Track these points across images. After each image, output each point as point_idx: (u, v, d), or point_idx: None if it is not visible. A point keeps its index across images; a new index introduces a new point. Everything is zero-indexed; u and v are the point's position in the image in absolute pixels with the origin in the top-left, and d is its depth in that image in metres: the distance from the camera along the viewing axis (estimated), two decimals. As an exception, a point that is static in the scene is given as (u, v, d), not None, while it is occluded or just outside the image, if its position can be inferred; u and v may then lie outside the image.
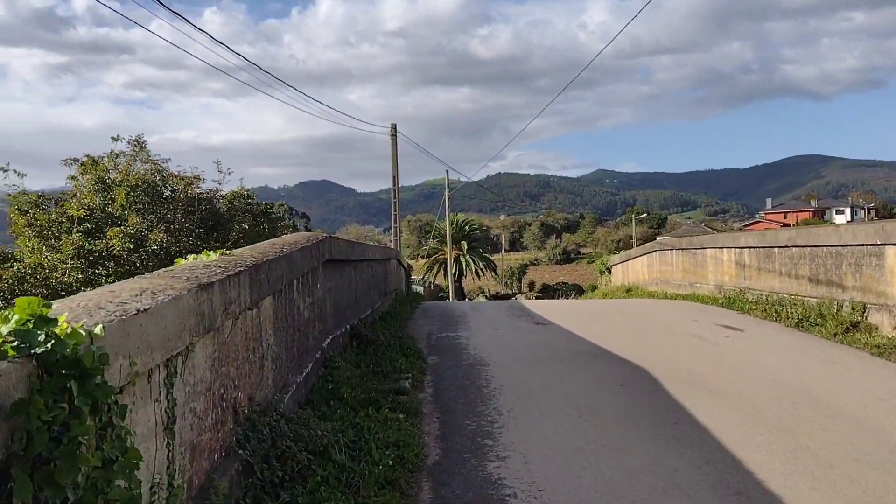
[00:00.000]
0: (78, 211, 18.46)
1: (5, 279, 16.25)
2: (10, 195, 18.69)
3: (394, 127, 33.35)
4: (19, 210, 18.56)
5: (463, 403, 6.94)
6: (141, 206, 19.55)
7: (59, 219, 18.35)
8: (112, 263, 18.04)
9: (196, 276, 3.70)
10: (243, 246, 20.90)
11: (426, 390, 7.51)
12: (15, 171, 18.44)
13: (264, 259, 5.00)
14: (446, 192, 46.73)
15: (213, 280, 3.80)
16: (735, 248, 16.17)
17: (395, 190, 32.76)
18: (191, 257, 4.59)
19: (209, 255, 4.61)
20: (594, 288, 45.19)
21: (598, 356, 9.19)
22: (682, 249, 20.03)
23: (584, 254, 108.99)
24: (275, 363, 5.38)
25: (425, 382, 7.87)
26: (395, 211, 32.86)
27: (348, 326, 9.29)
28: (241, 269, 4.37)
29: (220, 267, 4.20)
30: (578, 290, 60.35)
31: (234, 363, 4.30)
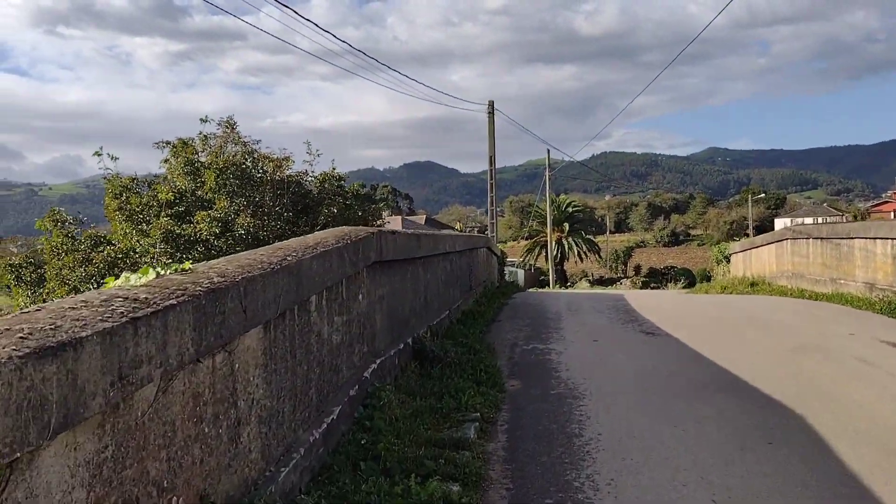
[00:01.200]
0: (167, 194, 18.00)
1: (96, 263, 15.88)
2: (105, 179, 18.43)
3: (491, 104, 31.46)
4: (113, 194, 18.26)
5: (545, 464, 5.05)
6: (230, 190, 18.95)
7: (150, 202, 17.92)
8: (201, 248, 17.52)
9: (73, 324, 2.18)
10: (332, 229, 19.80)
11: (498, 438, 5.64)
12: (109, 154, 18.15)
13: (239, 277, 3.35)
14: (546, 172, 44.52)
15: (82, 336, 2.13)
16: (892, 238, 13.41)
17: (491, 170, 30.91)
18: (122, 278, 3.06)
19: (147, 273, 3.07)
20: (706, 275, 41.60)
21: (730, 389, 7.01)
22: (822, 239, 17.13)
23: (693, 236, 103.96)
24: (265, 425, 3.78)
25: (498, 424, 6.00)
26: (491, 192, 31.05)
27: (411, 340, 7.57)
28: (175, 301, 2.73)
29: (134, 302, 2.61)
30: (688, 276, 56.50)
31: (161, 452, 2.73)
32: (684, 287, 40.44)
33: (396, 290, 7.18)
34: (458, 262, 11.98)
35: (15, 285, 18.12)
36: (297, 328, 4.28)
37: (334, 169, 22.06)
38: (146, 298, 2.59)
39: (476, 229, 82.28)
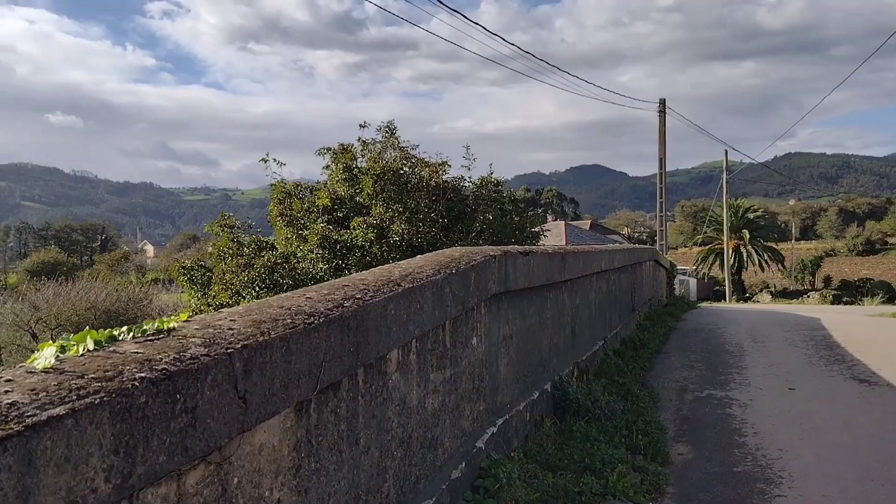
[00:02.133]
0: (324, 200, 17.93)
1: (257, 268, 16.00)
2: (271, 185, 18.74)
3: (662, 102, 29.04)
4: (277, 199, 18.50)
5: None
6: (386, 195, 18.60)
7: (310, 208, 17.95)
8: (357, 254, 17.27)
9: None
10: (487, 237, 18.63)
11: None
12: (275, 160, 18.42)
13: (238, 345, 2.17)
14: (724, 174, 40.88)
15: None
16: None
17: (661, 173, 28.44)
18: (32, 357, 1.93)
19: (67, 345, 1.91)
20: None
21: None
22: None
23: (891, 244, 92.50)
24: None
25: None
26: (661, 197, 28.60)
27: (549, 385, 6.06)
28: (63, 411, 1.54)
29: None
30: (887, 290, 49.67)
31: None
32: (882, 302, 35.46)
33: (531, 325, 5.73)
34: (617, 281, 10.31)
35: (188, 286, 18.79)
36: (363, 400, 3.04)
37: (491, 173, 21.14)
38: (15, 405, 1.49)
39: (644, 234, 78.42)
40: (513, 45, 26.45)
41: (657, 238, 31.06)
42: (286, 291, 12.33)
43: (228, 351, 2.13)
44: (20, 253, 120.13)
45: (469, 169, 20.49)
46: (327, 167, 19.62)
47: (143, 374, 1.84)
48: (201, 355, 2.05)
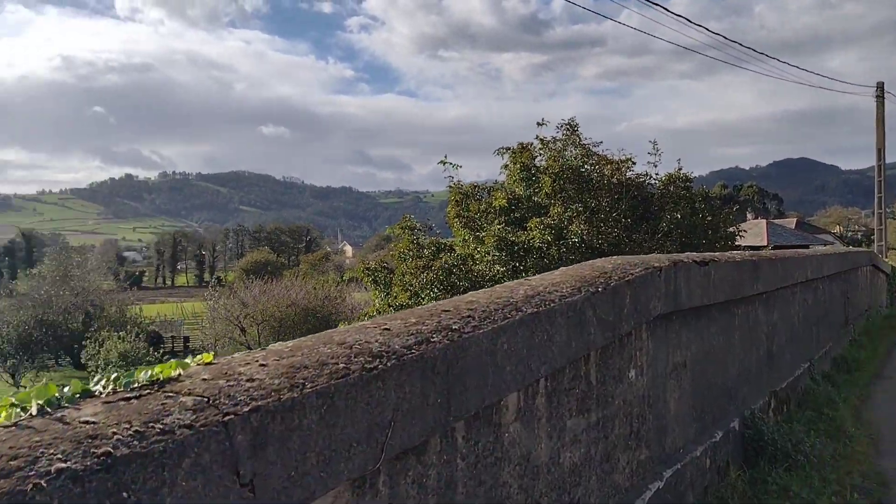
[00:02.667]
0: (501, 200, 17.74)
1: (435, 269, 16.20)
2: (448, 187, 18.93)
3: (880, 86, 25.64)
4: (455, 201, 18.64)
5: None
6: (566, 195, 18.02)
7: (487, 209, 17.86)
8: (535, 256, 16.91)
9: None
10: (675, 237, 17.36)
11: None
12: (451, 163, 18.58)
13: (244, 409, 1.57)
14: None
15: None
16: None
17: (879, 166, 25.05)
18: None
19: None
20: None
21: None
22: None
23: None
24: None
25: None
26: (879, 192, 25.21)
27: (737, 422, 5.04)
28: None
29: None
30: None
31: None
32: None
33: (712, 349, 4.79)
34: (826, 291, 8.86)
35: (373, 287, 19.40)
36: (464, 463, 2.34)
37: (680, 169, 19.77)
38: None
39: (860, 233, 70.33)
40: (716, 33, 24.68)
41: (875, 238, 27.51)
42: (463, 294, 12.11)
43: (226, 418, 1.55)
44: (237, 253, 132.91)
45: (655, 165, 19.33)
46: (505, 167, 19.35)
47: (62, 465, 1.28)
48: (181, 426, 1.48)
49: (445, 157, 18.98)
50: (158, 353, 36.32)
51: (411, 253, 17.71)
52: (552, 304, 2.49)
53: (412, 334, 1.91)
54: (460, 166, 19.20)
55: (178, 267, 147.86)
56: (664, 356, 3.81)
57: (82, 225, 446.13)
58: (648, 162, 19.28)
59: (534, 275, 14.38)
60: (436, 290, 16.49)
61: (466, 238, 18.52)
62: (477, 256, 17.76)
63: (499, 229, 17.53)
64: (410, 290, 16.79)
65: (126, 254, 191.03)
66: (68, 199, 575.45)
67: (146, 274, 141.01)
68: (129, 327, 34.73)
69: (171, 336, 45.09)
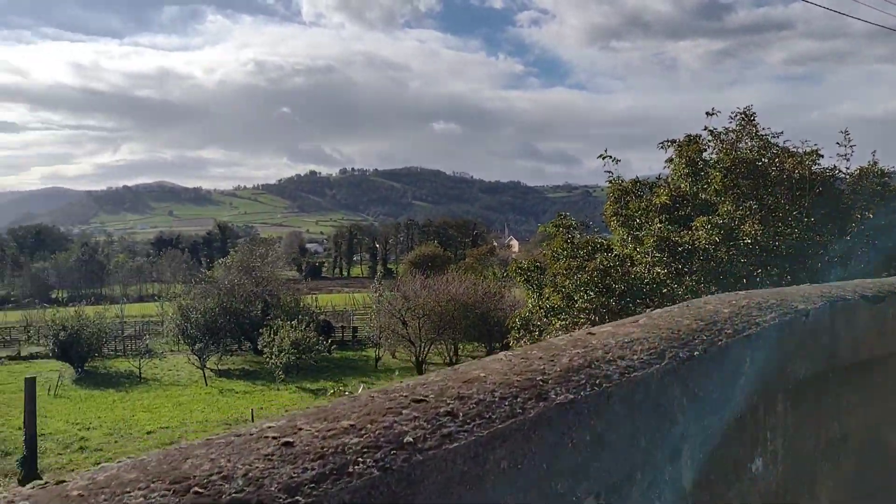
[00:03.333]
0: (663, 197, 16.67)
1: (589, 270, 15.55)
2: (608, 182, 18.13)
3: None
4: (613, 198, 17.83)
5: None
6: (738, 191, 16.63)
7: (647, 207, 16.85)
8: (700, 257, 15.74)
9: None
10: (865, 239, 15.44)
11: None
12: (611, 157, 17.80)
13: None
14: None
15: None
16: None
17: None
18: None
19: None
20: None
21: None
22: None
23: None
24: None
25: None
26: None
27: None
28: None
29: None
30: None
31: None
32: None
33: (889, 412, 3.39)
34: None
35: (525, 287, 18.99)
36: None
37: (875, 162, 17.61)
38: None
39: None
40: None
41: None
42: (619, 297, 11.23)
43: None
44: (408, 246, 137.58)
45: (847, 158, 17.36)
46: (670, 161, 18.14)
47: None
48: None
49: (605, 150, 18.05)
50: (327, 341, 38.01)
51: (565, 252, 17.05)
52: (606, 385, 1.56)
53: (322, 457, 1.09)
54: (619, 160, 18.27)
55: (355, 259, 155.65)
56: (813, 432, 2.72)
57: (271, 218, 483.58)
58: (838, 154, 17.29)
59: (697, 279, 12.99)
60: (590, 293, 15.74)
61: (624, 237, 17.58)
62: (636, 257, 16.79)
63: (660, 228, 16.46)
64: (563, 292, 16.15)
65: (308, 245, 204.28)
66: (260, 193, 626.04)
67: (325, 265, 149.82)
68: (299, 317, 36.65)
69: (342, 326, 47.16)
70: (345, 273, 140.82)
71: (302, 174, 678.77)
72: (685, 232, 16.35)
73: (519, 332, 17.36)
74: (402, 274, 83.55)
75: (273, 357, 34.21)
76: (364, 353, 41.43)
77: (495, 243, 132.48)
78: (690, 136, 18.21)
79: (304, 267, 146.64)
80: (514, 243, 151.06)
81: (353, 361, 40.76)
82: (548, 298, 16.29)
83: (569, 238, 17.14)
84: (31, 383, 21.32)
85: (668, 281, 16.14)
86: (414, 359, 35.70)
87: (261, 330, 36.35)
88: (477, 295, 36.51)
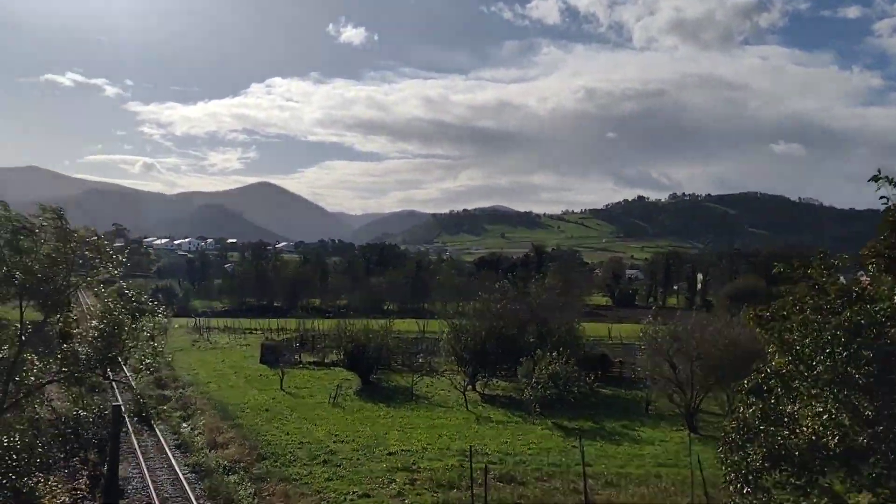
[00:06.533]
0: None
1: (830, 328, 11.77)
2: (883, 211, 13.99)
3: None
4: (886, 231, 13.66)
5: None
6: None
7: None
8: None
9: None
10: None
11: None
12: (887, 178, 13.60)
13: None
14: None
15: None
16: None
17: None
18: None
19: None
20: None
21: None
22: None
23: None
24: None
25: None
26: None
27: None
28: None
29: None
30: None
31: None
32: None
33: None
34: None
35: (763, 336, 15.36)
36: None
37: None
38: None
39: None
40: None
41: None
42: (873, 369, 7.79)
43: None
44: (731, 277, 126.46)
45: None
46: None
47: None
48: None
49: (878, 171, 13.84)
50: (590, 378, 35.70)
51: (810, 300, 13.18)
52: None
53: None
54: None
55: (675, 288, 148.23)
56: None
57: (596, 242, 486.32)
58: None
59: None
60: (835, 358, 11.81)
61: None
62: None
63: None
64: (793, 354, 12.44)
65: (629, 272, 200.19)
66: (587, 218, 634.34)
67: (638, 292, 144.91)
68: (560, 348, 34.95)
69: (619, 360, 44.33)
70: (660, 302, 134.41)
71: (629, 199, 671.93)
72: None
73: (748, 399, 13.88)
74: (716, 308, 76.73)
75: (528, 389, 33.07)
76: (640, 392, 38.27)
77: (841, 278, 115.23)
78: None
79: (616, 294, 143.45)
80: (866, 279, 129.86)
81: (622, 401, 37.76)
82: (773, 356, 12.68)
83: (819, 282, 13.26)
84: (116, 411, 20.70)
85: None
86: (683, 407, 31.87)
87: (521, 359, 35.53)
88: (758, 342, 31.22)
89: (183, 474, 22.64)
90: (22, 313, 14.48)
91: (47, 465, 14.23)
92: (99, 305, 17.23)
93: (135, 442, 26.53)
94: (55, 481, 17.14)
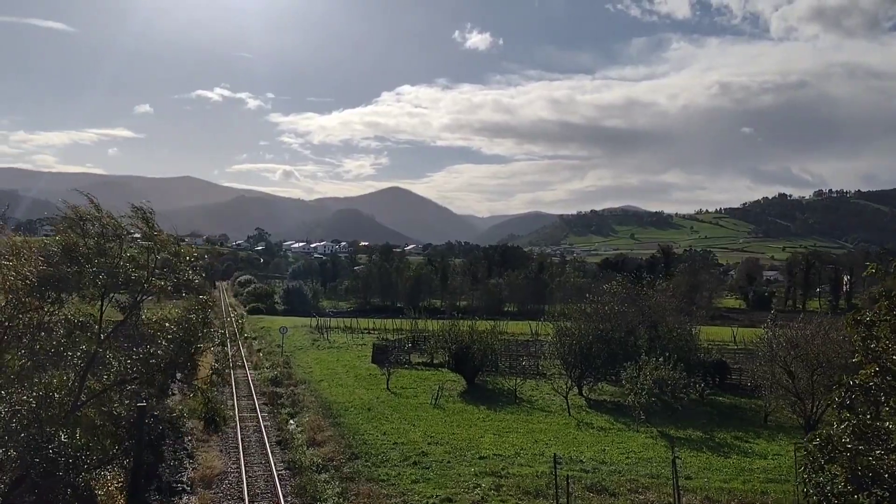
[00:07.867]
0: None
1: None
2: None
3: None
4: None
5: None
6: None
7: None
8: None
9: None
10: None
11: None
12: None
13: None
14: None
15: None
16: None
17: None
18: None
19: None
20: None
21: None
22: None
23: None
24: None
25: None
26: None
27: None
28: None
29: None
30: None
31: None
32: None
33: None
34: None
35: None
36: None
37: None
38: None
39: None
40: None
41: None
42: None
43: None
44: (882, 278, 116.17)
45: None
46: None
47: None
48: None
49: None
50: (701, 385, 33.84)
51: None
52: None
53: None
54: None
55: (817, 290, 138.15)
56: None
57: (732, 242, 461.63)
58: None
59: None
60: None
61: None
62: None
63: None
64: (881, 363, 11.12)
65: (768, 273, 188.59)
66: (722, 217, 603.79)
67: (776, 295, 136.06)
68: (668, 354, 33.34)
69: (738, 367, 41.69)
70: (798, 305, 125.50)
71: (769, 197, 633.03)
72: None
73: (839, 413, 12.61)
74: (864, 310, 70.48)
75: (632, 395, 31.74)
76: (759, 402, 35.73)
77: None
78: None
79: (750, 297, 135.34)
80: None
81: (739, 411, 35.35)
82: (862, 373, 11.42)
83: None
84: (141, 412, 19.64)
85: None
86: (803, 419, 29.51)
87: (626, 363, 34.18)
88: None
89: (277, 471, 23.36)
90: (102, 313, 15.35)
91: (102, 462, 14.98)
92: (176, 310, 18.00)
93: (239, 438, 27.77)
94: (111, 478, 18.10)
